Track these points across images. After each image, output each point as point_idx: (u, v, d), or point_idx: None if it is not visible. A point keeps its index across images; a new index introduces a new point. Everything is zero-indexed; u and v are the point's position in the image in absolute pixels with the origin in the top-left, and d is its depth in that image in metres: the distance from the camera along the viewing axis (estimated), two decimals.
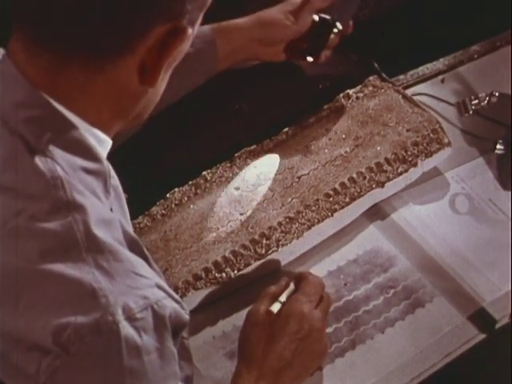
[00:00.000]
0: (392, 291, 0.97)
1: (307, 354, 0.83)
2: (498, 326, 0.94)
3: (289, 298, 0.86)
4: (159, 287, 0.62)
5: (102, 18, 0.59)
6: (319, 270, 0.99)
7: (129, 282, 0.60)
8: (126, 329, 0.58)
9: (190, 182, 1.03)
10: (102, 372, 0.59)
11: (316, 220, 0.99)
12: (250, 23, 1.04)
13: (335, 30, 1.06)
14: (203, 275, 0.94)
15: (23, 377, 0.59)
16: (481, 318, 0.94)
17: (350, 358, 0.90)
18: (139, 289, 0.60)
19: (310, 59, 1.07)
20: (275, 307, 0.84)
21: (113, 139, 0.69)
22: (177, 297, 0.64)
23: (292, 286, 0.87)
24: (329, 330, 0.92)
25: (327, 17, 1.05)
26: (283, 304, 0.85)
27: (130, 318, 0.58)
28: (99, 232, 0.60)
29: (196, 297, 0.93)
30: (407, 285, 0.98)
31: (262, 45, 1.06)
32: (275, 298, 0.85)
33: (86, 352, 0.57)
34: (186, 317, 0.65)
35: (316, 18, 1.06)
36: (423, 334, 0.93)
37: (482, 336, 0.94)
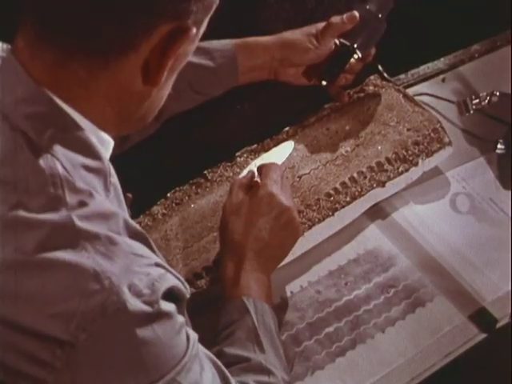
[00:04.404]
0: (393, 290, 0.97)
1: (282, 232, 0.88)
2: (498, 325, 0.94)
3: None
4: (159, 265, 0.63)
5: (106, 15, 0.59)
6: (320, 269, 0.99)
7: (128, 262, 0.61)
8: (134, 305, 0.59)
9: (191, 181, 1.04)
10: (117, 351, 0.60)
11: (317, 219, 0.99)
12: (273, 42, 1.05)
13: (355, 56, 1.06)
14: (204, 274, 0.94)
15: (39, 363, 0.59)
16: (481, 317, 0.95)
17: (350, 358, 0.90)
18: (140, 267, 0.61)
19: (323, 83, 1.07)
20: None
21: (123, 141, 0.69)
22: (178, 274, 0.66)
23: (257, 175, 0.92)
24: (330, 329, 0.93)
25: (347, 43, 1.05)
26: None
27: (138, 295, 0.59)
28: (95, 225, 0.61)
29: (197, 296, 0.93)
30: (408, 284, 0.98)
31: (282, 65, 1.06)
32: (245, 189, 0.91)
33: (97, 335, 0.58)
34: (187, 295, 0.67)
35: (337, 42, 1.06)
36: (424, 334, 0.93)
37: (483, 335, 0.94)
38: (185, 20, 0.62)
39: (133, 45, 0.61)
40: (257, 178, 0.92)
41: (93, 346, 0.58)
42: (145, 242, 0.65)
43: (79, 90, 0.63)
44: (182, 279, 0.66)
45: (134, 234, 0.64)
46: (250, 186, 0.91)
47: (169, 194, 1.02)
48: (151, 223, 0.99)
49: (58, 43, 0.61)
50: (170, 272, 0.64)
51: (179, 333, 0.64)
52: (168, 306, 0.62)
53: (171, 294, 0.63)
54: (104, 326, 0.58)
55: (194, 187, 1.03)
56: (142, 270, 0.61)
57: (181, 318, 0.65)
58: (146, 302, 0.60)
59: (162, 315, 0.61)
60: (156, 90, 0.67)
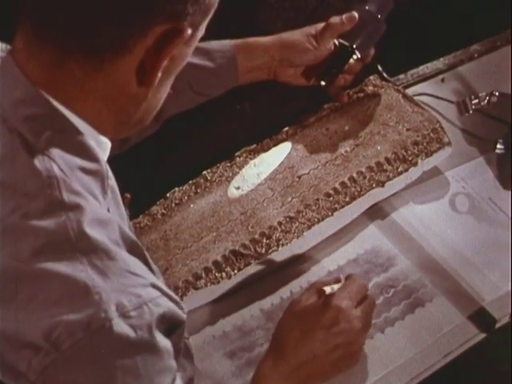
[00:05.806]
0: (392, 291, 0.97)
1: (339, 351, 0.82)
2: (498, 325, 0.94)
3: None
4: (154, 286, 0.62)
5: (102, 15, 0.59)
6: (319, 269, 0.99)
7: (123, 280, 0.60)
8: (119, 326, 0.57)
9: (191, 182, 1.03)
10: (93, 369, 0.58)
11: (316, 219, 0.99)
12: (272, 43, 1.05)
13: (354, 57, 1.06)
14: (203, 275, 0.94)
15: (16, 375, 0.58)
16: (481, 317, 0.95)
17: None
18: (133, 287, 0.60)
19: (322, 83, 1.07)
20: (328, 289, 0.85)
21: (122, 141, 0.68)
22: (174, 296, 0.64)
23: (342, 280, 0.87)
24: None
25: (346, 43, 1.05)
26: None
27: (124, 316, 0.58)
28: (93, 232, 0.60)
29: (196, 296, 0.93)
30: (407, 284, 0.98)
31: (281, 66, 1.06)
32: (320, 292, 0.85)
33: (77, 349, 0.57)
34: (183, 316, 0.65)
35: (336, 42, 1.06)
36: (423, 334, 0.93)
37: (482, 335, 0.94)
38: (181, 21, 0.62)
39: (127, 46, 0.61)
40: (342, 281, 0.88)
41: (69, 359, 0.57)
42: (140, 254, 0.64)
43: (75, 90, 0.63)
44: (178, 300, 0.65)
45: (129, 244, 0.63)
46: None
47: (168, 194, 1.02)
48: (150, 223, 0.99)
49: (57, 43, 0.61)
50: (166, 294, 0.62)
51: (161, 374, 0.61)
52: (162, 342, 0.61)
53: (165, 319, 0.61)
54: (85, 341, 0.57)
55: (193, 187, 1.03)
56: (133, 291, 0.59)
57: (172, 362, 0.63)
58: (131, 326, 0.58)
59: (149, 346, 0.60)
60: (152, 92, 0.67)
